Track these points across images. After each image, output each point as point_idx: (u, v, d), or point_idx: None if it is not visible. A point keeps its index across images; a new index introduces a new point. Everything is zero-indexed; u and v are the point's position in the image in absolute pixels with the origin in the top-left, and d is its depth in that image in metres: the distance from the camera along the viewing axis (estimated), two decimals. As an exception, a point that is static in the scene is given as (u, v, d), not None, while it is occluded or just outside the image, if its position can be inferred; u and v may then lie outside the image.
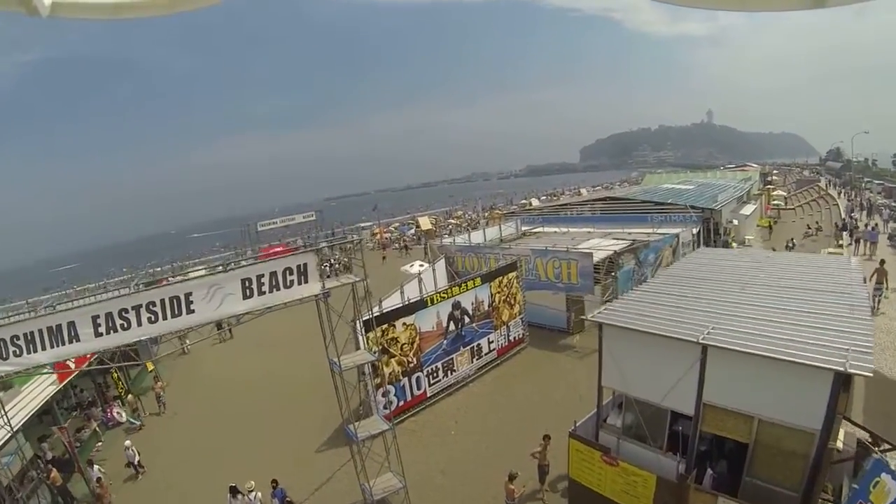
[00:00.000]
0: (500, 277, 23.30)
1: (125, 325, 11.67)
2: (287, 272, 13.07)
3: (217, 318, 12.76)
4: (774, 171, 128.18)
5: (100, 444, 23.32)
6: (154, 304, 11.82)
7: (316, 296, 13.53)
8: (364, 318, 17.42)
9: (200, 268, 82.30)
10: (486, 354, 23.16)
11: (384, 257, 54.68)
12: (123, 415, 24.70)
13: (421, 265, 36.48)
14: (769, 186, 75.87)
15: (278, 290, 13.04)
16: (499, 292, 23.18)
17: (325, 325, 13.84)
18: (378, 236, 79.22)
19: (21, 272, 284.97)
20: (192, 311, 12.14)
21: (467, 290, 21.61)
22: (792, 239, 39.48)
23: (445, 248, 31.72)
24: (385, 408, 18.99)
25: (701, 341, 9.80)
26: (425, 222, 74.51)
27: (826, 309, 10.81)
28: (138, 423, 24.56)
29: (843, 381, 8.51)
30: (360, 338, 16.81)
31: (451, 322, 21.17)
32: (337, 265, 56.26)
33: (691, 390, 10.28)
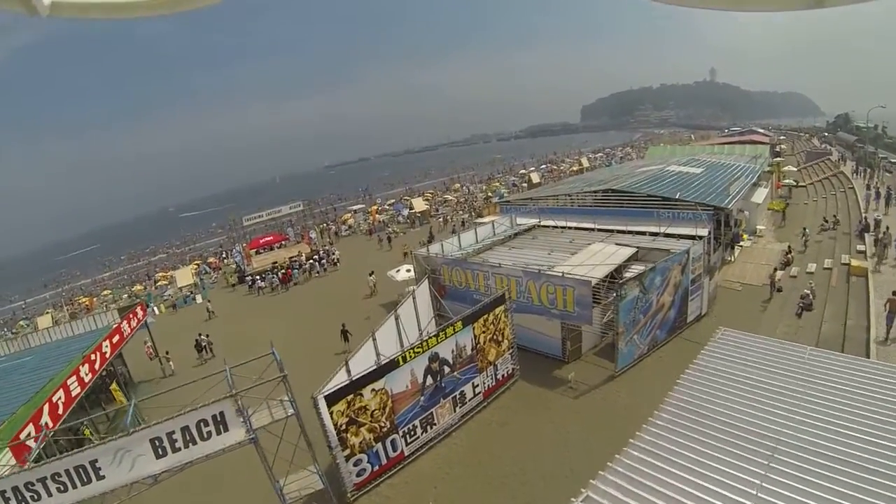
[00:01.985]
0: (486, 315, 20.45)
1: (35, 497, 10.89)
2: (202, 424, 11.79)
3: (132, 481, 11.53)
4: (782, 137, 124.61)
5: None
6: (59, 475, 10.95)
7: (240, 443, 11.82)
8: (325, 393, 15.11)
9: (196, 262, 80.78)
10: (470, 400, 20.53)
11: (406, 253, 46.40)
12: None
13: (408, 270, 33.68)
14: (779, 160, 72.59)
15: (195, 443, 11.80)
16: (484, 332, 20.35)
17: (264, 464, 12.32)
18: (371, 217, 76.24)
19: (27, 260, 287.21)
20: (103, 477, 11.21)
21: (446, 337, 18.80)
22: (806, 230, 36.59)
23: (431, 259, 28.95)
24: (358, 476, 16.79)
25: None
26: (419, 203, 70.76)
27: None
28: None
29: None
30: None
31: (429, 376, 18.50)
32: (325, 257, 53.60)
33: None
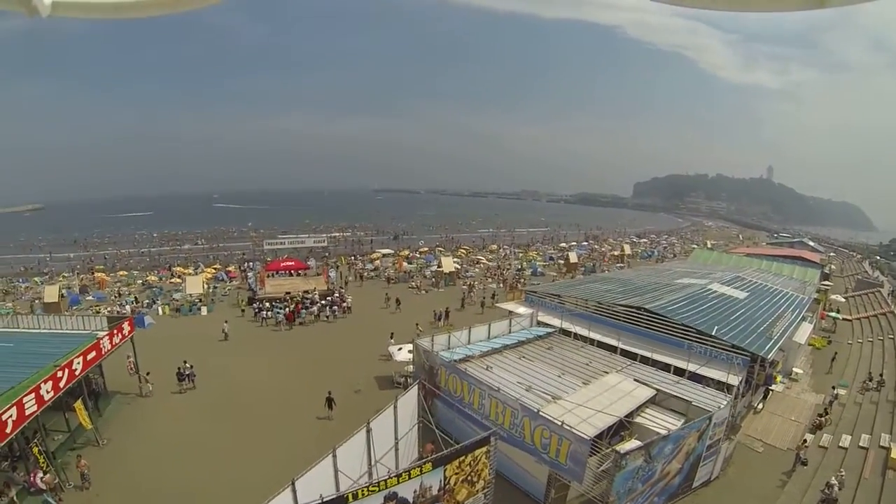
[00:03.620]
0: (464, 457, 17.78)
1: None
2: None
3: None
4: (832, 254, 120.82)
5: (17, 512, 20.52)
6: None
7: None
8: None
9: (215, 266, 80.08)
10: (426, 542, 17.76)
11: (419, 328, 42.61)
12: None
13: (410, 352, 31.17)
14: (826, 285, 69.15)
15: None
16: (457, 473, 17.59)
17: None
18: (398, 264, 73.99)
19: (78, 207, 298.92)
20: None
21: (409, 479, 16.24)
22: (835, 393, 33.09)
23: (431, 356, 26.56)
24: None
25: None
26: (448, 263, 67.69)
27: None
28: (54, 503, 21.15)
29: None
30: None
31: (382, 514, 15.91)
32: (337, 302, 51.44)
33: None
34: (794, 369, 37.20)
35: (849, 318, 57.42)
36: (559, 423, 19.15)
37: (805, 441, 26.66)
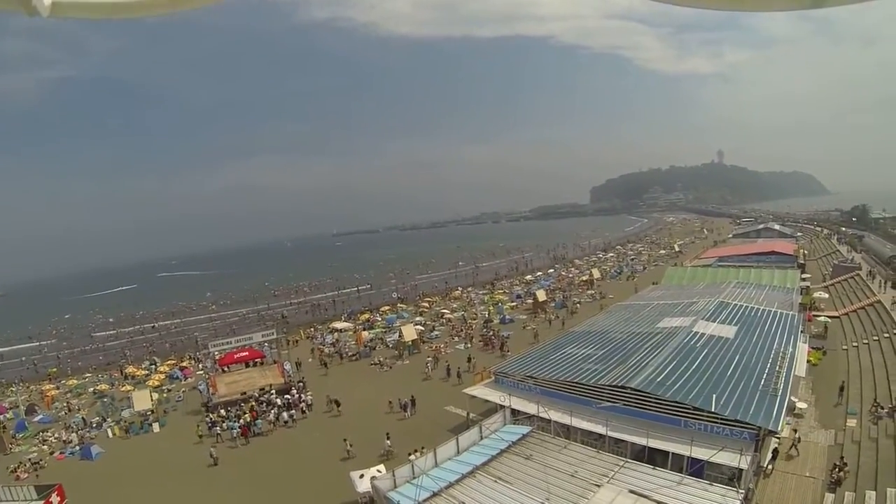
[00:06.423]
0: None
1: None
2: None
3: None
4: (798, 234, 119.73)
5: None
6: None
7: None
8: None
9: (169, 361, 74.85)
10: None
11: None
12: None
13: (377, 473, 26.81)
14: (805, 279, 66.97)
15: None
16: None
17: None
18: (357, 340, 68.79)
19: (43, 288, 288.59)
20: None
21: None
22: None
23: (391, 503, 22.27)
24: None
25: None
26: (409, 331, 61.95)
27: None
28: None
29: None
30: None
31: None
32: (295, 403, 46.83)
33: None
34: (798, 404, 33.67)
35: (836, 314, 54.92)
36: None
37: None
